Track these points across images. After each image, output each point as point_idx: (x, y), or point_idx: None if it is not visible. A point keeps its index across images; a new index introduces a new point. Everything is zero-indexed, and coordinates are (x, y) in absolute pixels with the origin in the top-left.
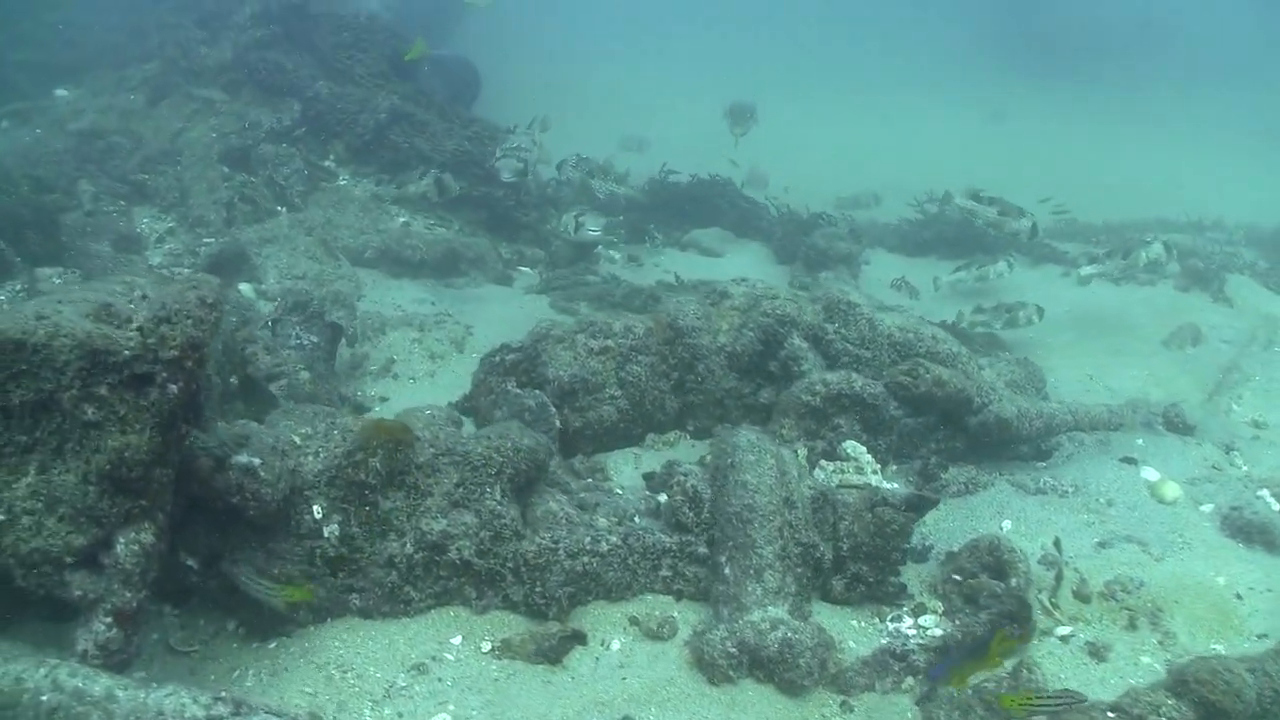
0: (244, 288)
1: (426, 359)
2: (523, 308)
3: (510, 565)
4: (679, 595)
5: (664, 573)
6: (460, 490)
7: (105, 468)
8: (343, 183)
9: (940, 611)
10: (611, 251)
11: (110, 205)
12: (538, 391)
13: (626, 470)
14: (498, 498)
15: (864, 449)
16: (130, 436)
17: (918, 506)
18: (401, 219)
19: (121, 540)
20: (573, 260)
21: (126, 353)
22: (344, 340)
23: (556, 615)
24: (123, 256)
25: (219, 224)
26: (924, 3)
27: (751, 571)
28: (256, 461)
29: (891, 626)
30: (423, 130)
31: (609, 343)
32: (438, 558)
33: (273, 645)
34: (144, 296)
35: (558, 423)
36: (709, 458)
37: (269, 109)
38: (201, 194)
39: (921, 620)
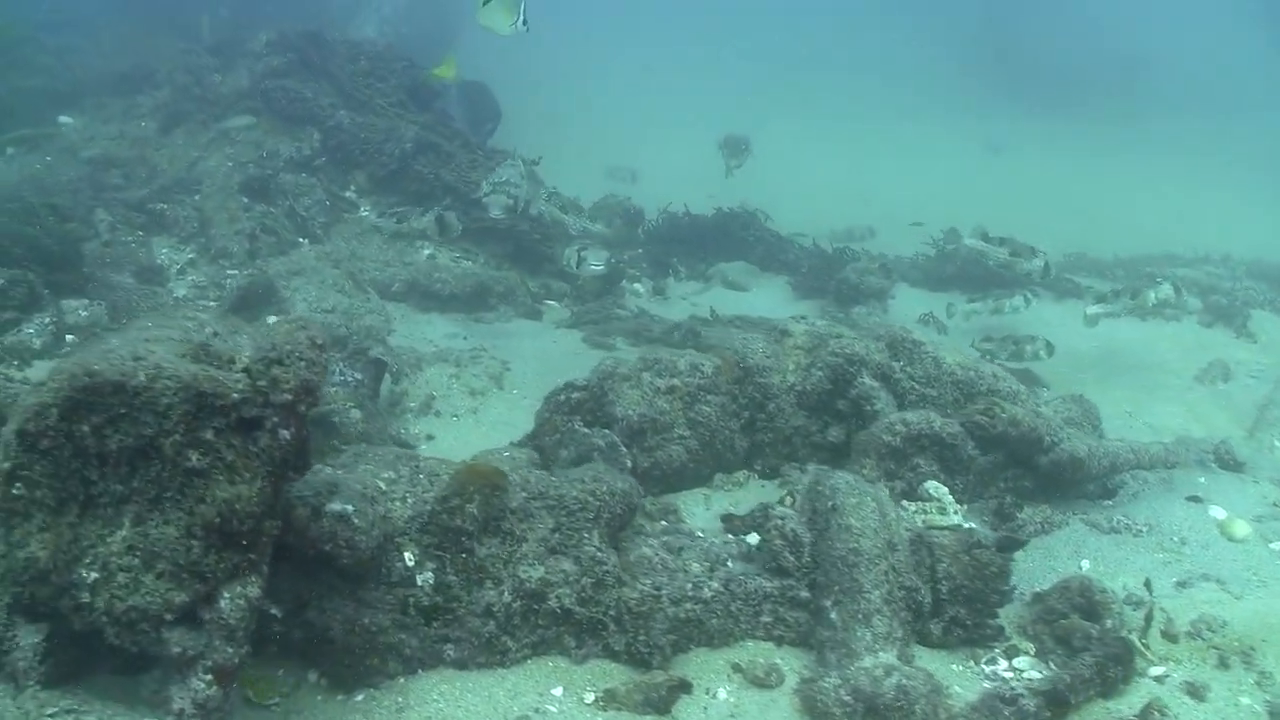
0: (271, 320)
1: (467, 395)
2: (556, 342)
3: (612, 613)
4: (779, 641)
5: (765, 618)
6: (557, 536)
7: (214, 520)
8: (364, 214)
9: (1032, 653)
10: (635, 285)
11: (128, 235)
12: (607, 431)
13: (698, 511)
14: (596, 543)
15: (945, 489)
16: (239, 486)
17: (1007, 547)
18: (426, 251)
19: (226, 595)
20: (599, 294)
21: (235, 395)
22: (387, 376)
23: (660, 664)
24: (146, 288)
25: (242, 256)
26: (913, 32)
27: (860, 617)
28: (350, 509)
29: (988, 669)
30: (448, 161)
31: (675, 381)
32: (537, 606)
33: (360, 698)
34: (239, 334)
35: (629, 463)
36: (797, 499)
37: (288, 138)
38: (223, 225)
39: (1016, 662)
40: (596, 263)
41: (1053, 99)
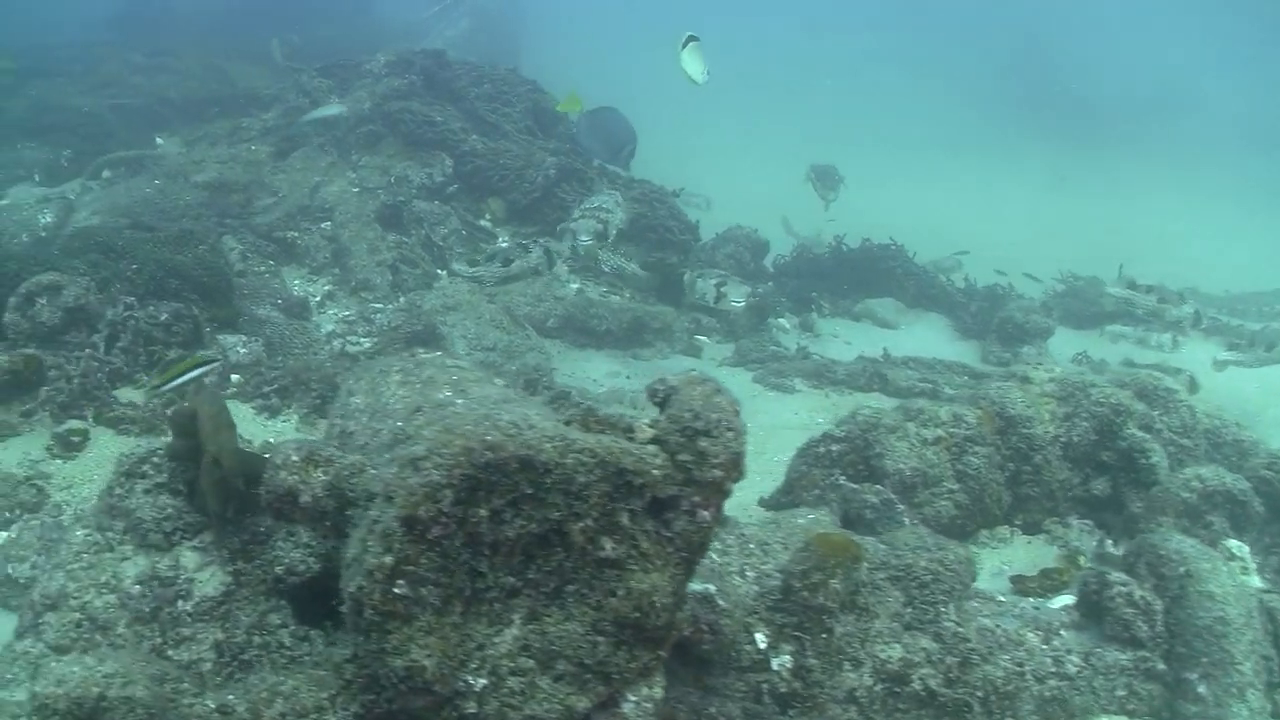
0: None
1: None
2: (725, 383)
3: (979, 694)
4: (1132, 715)
5: (1119, 692)
6: (910, 610)
7: (630, 615)
8: (504, 244)
9: None
10: (780, 320)
11: (259, 265)
12: (879, 487)
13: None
14: (954, 617)
15: (1247, 548)
16: (654, 575)
17: None
18: (574, 285)
19: (632, 699)
20: (751, 329)
21: (656, 473)
22: None
23: None
24: (295, 323)
25: (385, 288)
26: (959, 70)
27: (1234, 690)
28: (713, 589)
29: None
30: (591, 188)
31: (941, 432)
32: (898, 689)
33: None
34: (659, 397)
35: (906, 521)
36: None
37: (416, 163)
38: (362, 255)
39: None
40: (737, 298)
41: (1101, 135)
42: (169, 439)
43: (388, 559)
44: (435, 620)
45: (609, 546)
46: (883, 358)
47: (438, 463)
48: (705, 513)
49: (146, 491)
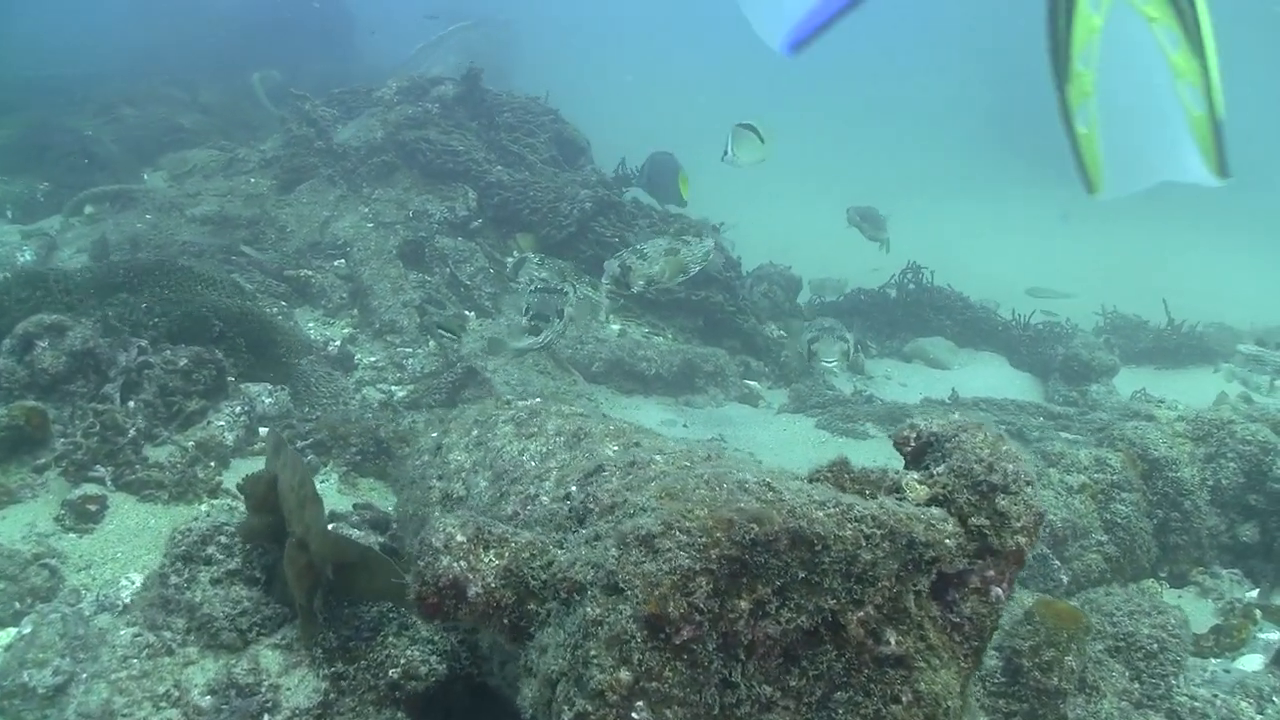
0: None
1: None
2: (787, 430)
3: None
4: None
5: None
6: (1139, 686)
7: None
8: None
9: None
10: (829, 362)
11: (271, 306)
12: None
13: None
14: (1186, 691)
15: None
16: (943, 673)
17: None
18: (615, 327)
19: None
20: (804, 372)
21: (949, 543)
22: None
23: None
24: (321, 369)
25: (413, 331)
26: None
27: None
28: None
29: None
30: (631, 224)
31: (1084, 478)
32: None
33: None
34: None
35: (1064, 578)
36: None
37: (435, 196)
38: (385, 295)
39: None
40: (829, 359)
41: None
42: (240, 514)
43: (624, 674)
44: None
45: (893, 640)
46: (951, 400)
47: (684, 541)
48: (998, 589)
49: (215, 581)
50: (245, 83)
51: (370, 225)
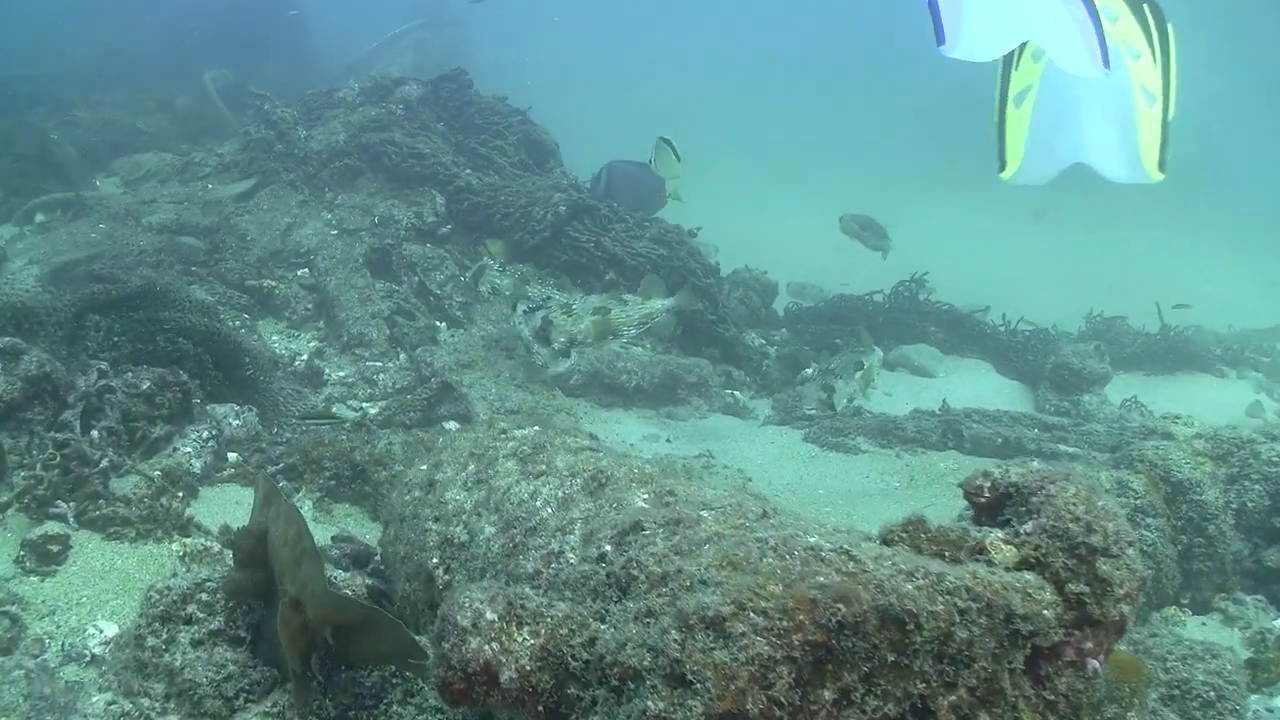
0: (451, 428)
1: None
2: (774, 443)
3: None
4: None
5: None
6: None
7: None
8: (508, 291)
9: None
10: (808, 370)
11: (234, 319)
12: None
13: None
14: None
15: None
16: None
17: None
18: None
19: None
20: (786, 382)
21: (1048, 613)
22: None
23: None
24: (289, 386)
25: (383, 344)
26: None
27: None
28: None
29: None
30: (607, 227)
31: None
32: None
33: None
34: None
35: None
36: None
37: (401, 201)
38: (353, 307)
39: None
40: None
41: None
42: (223, 570)
43: None
44: None
45: None
46: (942, 410)
47: (761, 625)
48: (1095, 662)
49: (197, 642)
50: (199, 83)
51: (334, 232)
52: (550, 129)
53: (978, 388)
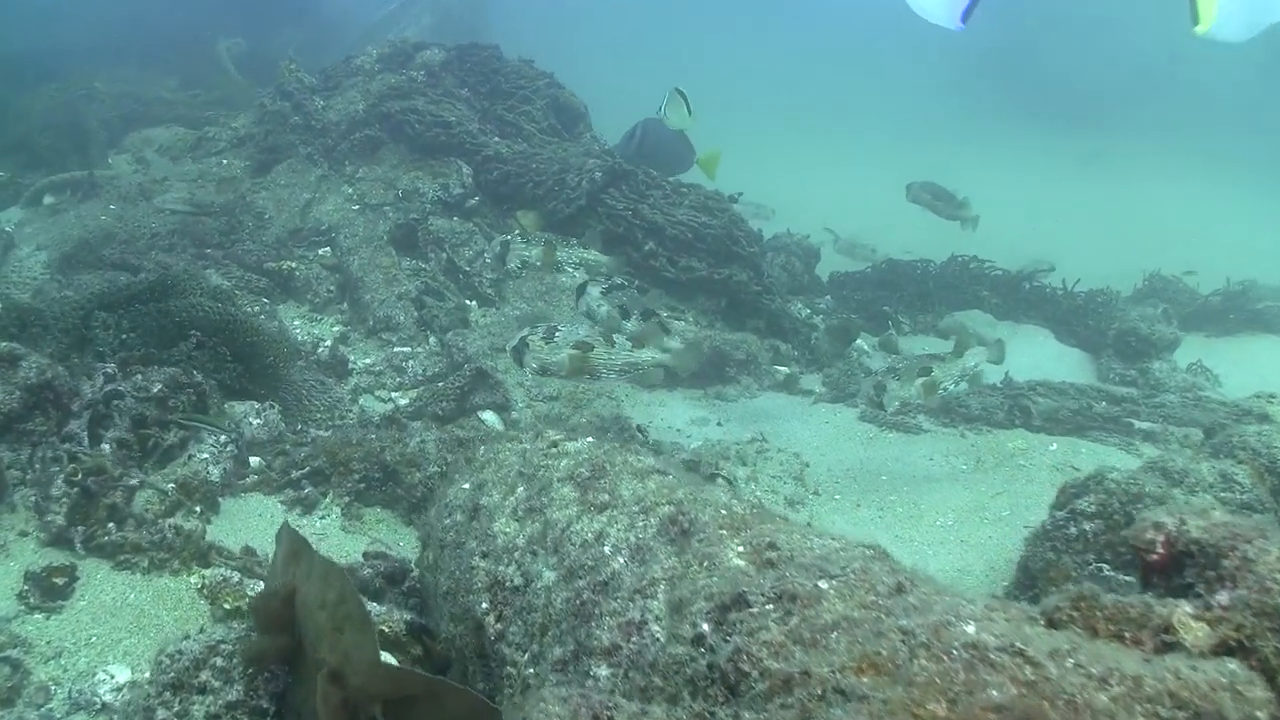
0: (488, 418)
1: (784, 507)
2: (829, 423)
3: None
4: None
5: None
6: None
7: None
8: (538, 264)
9: None
10: (860, 342)
11: (252, 304)
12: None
13: None
14: None
15: None
16: None
17: None
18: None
19: None
20: (835, 355)
21: (1261, 715)
22: None
23: None
24: (313, 378)
25: (411, 327)
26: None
27: None
28: None
29: None
30: (645, 195)
31: (1209, 498)
32: None
33: None
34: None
35: None
36: None
37: (426, 173)
38: (378, 288)
39: None
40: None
41: (1097, 119)
42: (240, 627)
43: None
44: None
45: None
46: (1004, 383)
47: None
48: None
49: (212, 717)
50: (213, 53)
51: (356, 208)
52: (577, 92)
53: (1036, 356)
